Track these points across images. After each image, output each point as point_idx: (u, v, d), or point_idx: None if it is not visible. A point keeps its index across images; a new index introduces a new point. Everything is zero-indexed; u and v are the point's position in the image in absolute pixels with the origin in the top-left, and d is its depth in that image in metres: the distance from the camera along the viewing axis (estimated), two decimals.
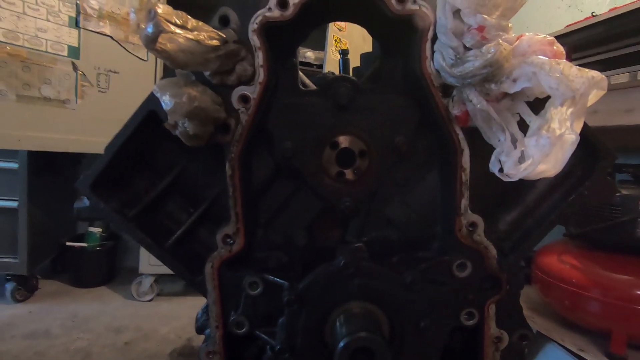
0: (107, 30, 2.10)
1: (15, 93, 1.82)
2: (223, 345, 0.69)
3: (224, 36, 0.57)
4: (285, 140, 0.68)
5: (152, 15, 0.45)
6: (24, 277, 2.13)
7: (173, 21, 0.47)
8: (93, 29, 2.04)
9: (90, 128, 2.05)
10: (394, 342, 0.63)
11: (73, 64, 1.99)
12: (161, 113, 0.61)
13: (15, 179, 2.03)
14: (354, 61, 1.22)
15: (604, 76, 0.52)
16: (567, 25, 1.58)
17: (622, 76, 1.33)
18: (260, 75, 0.62)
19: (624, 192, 1.29)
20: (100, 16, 2.06)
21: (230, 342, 0.69)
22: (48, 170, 2.28)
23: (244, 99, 0.63)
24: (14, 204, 2.04)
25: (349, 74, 1.30)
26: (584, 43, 1.53)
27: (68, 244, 2.38)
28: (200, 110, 0.54)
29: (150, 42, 0.46)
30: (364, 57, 1.00)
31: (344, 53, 1.33)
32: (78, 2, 1.97)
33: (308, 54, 2.53)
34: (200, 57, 0.53)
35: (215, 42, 0.54)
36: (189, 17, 0.51)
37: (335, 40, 2.27)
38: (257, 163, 0.71)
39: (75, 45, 1.99)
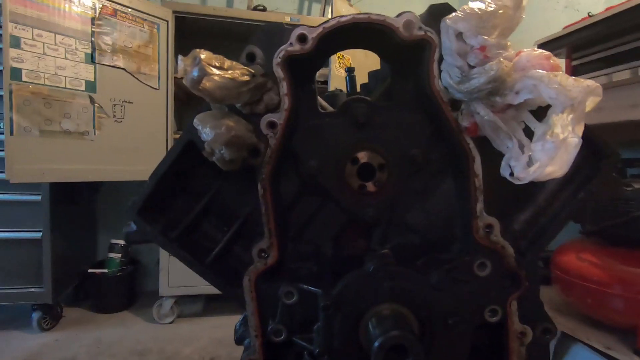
0: (120, 63, 2.21)
1: (38, 129, 1.92)
2: (263, 353, 0.73)
3: (253, 71, 0.64)
4: (310, 160, 0.74)
5: (197, 61, 0.52)
6: (49, 306, 2.18)
7: (213, 64, 0.54)
8: (107, 63, 2.16)
9: (108, 157, 2.15)
10: (425, 340, 0.67)
11: (90, 97, 2.10)
12: (198, 142, 0.67)
13: (38, 211, 2.11)
14: (359, 78, 1.29)
15: (598, 84, 0.57)
16: (565, 26, 1.59)
17: (624, 73, 1.35)
18: (285, 103, 0.69)
19: (637, 186, 1.27)
20: (114, 51, 2.17)
21: (269, 350, 0.74)
22: (68, 200, 2.36)
23: (272, 124, 0.69)
24: (38, 235, 2.11)
25: (356, 90, 1.37)
26: (584, 42, 1.54)
27: (90, 271, 2.44)
28: (237, 138, 0.61)
29: (195, 84, 0.53)
30: (372, 74, 1.06)
31: (350, 70, 1.40)
32: (93, 39, 2.08)
33: None
34: (234, 92, 0.60)
35: (246, 78, 0.61)
36: (225, 59, 0.58)
37: (339, 57, 2.36)
38: (285, 182, 0.77)
39: (92, 79, 2.11)
